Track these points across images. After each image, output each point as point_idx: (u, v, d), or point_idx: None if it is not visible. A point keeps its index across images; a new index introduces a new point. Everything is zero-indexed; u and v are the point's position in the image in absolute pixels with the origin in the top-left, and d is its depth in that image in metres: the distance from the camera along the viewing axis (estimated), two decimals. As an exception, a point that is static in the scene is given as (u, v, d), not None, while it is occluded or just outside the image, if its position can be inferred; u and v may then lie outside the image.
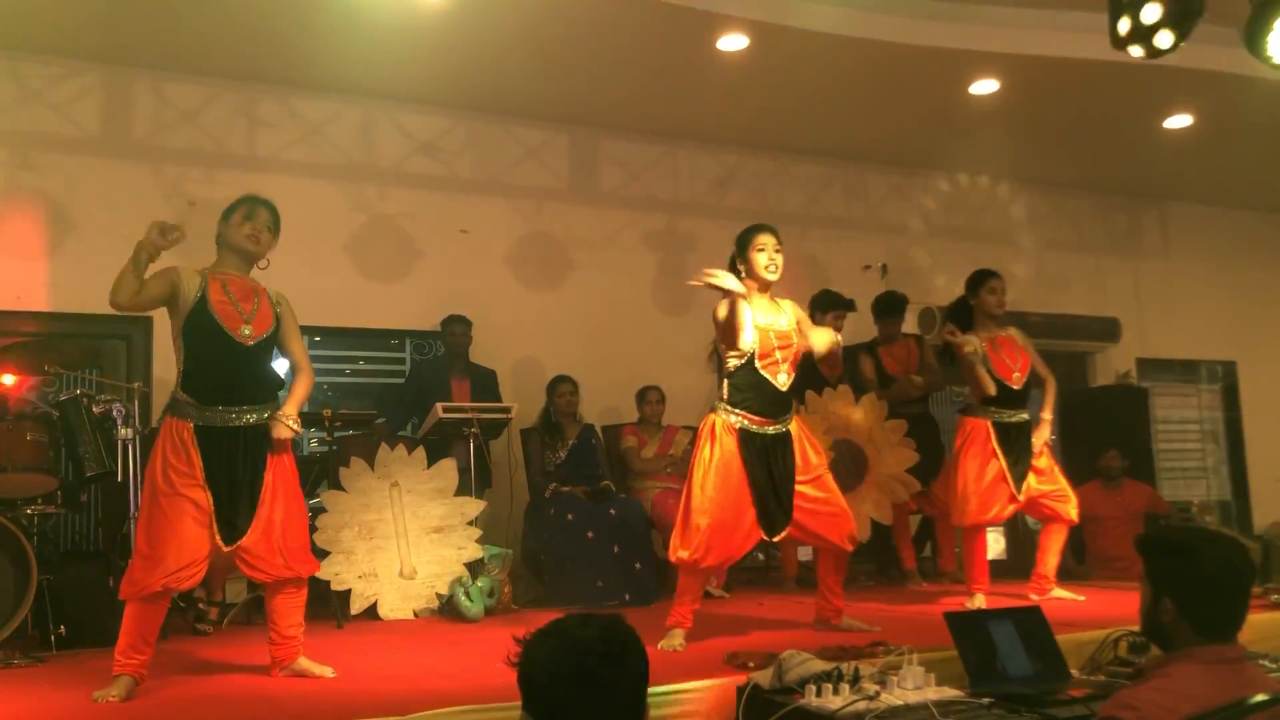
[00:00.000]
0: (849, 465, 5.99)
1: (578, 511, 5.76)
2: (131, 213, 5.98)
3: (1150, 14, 3.95)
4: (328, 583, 5.12)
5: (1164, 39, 4.01)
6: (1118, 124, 7.42)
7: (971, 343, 5.06)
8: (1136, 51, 4.05)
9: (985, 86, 6.70)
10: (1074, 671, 3.54)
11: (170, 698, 3.47)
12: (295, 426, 3.67)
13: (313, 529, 5.10)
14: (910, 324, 6.88)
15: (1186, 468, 9.34)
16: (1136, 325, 8.93)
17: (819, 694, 3.01)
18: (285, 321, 3.74)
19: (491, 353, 6.57)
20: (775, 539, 4.28)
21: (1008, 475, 5.07)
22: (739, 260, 4.31)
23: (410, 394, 6.32)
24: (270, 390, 3.71)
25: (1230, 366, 9.59)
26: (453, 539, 5.49)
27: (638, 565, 5.68)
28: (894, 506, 6.12)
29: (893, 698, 3.00)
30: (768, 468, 4.15)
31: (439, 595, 5.35)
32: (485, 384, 6.35)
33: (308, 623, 3.84)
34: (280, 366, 3.93)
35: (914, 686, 3.11)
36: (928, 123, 7.37)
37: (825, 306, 6.47)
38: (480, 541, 5.53)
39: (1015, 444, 5.13)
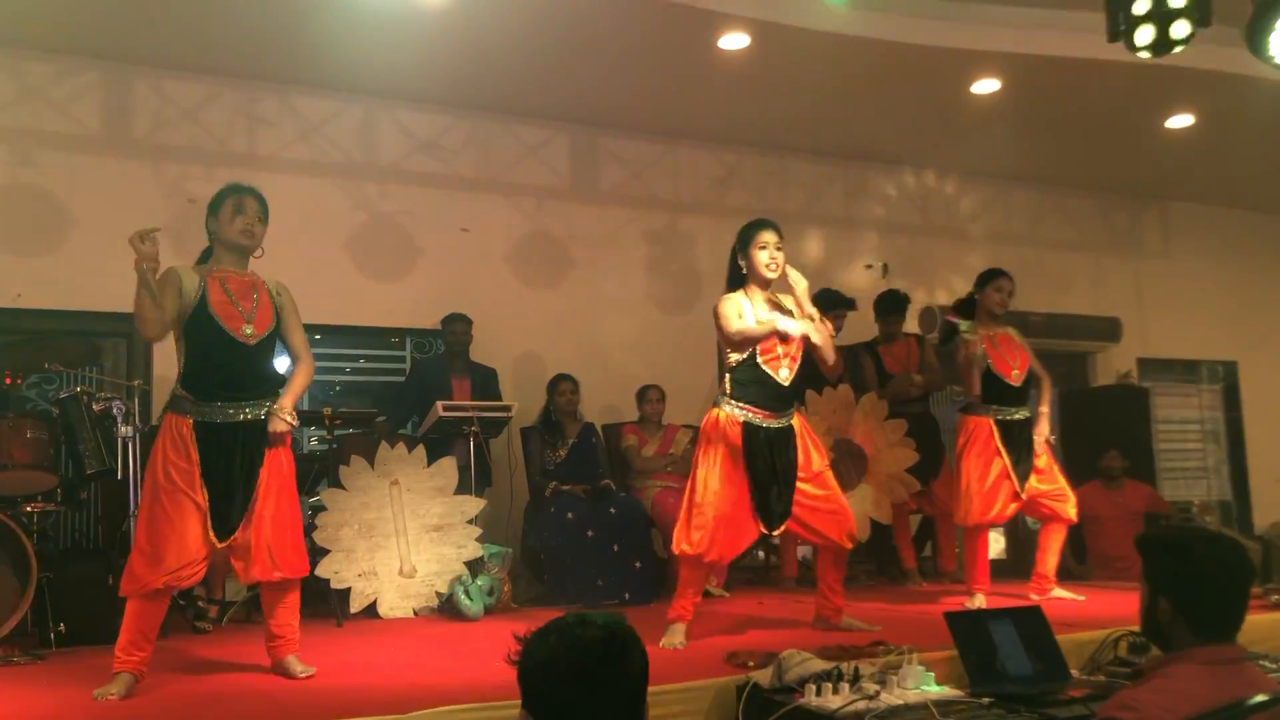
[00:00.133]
0: (849, 464, 5.99)
1: (578, 510, 5.76)
2: (132, 210, 5.98)
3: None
4: (327, 581, 5.12)
5: (1180, 28, 4.02)
6: (1119, 123, 7.41)
7: (976, 344, 5.08)
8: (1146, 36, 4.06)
9: (986, 86, 6.69)
10: (1074, 672, 3.54)
11: (169, 695, 3.47)
12: (291, 420, 3.62)
13: (312, 527, 5.13)
14: (910, 324, 6.88)
15: (1187, 468, 9.33)
16: (1137, 325, 8.92)
17: (819, 693, 3.02)
18: (286, 313, 3.72)
19: (492, 351, 6.57)
20: (774, 533, 4.28)
21: (1011, 473, 5.07)
22: (740, 256, 4.31)
23: (410, 392, 6.32)
24: (272, 387, 3.67)
25: (1231, 367, 9.58)
26: (453, 537, 5.49)
27: (638, 564, 5.68)
28: (894, 506, 6.12)
29: (893, 697, 3.00)
30: (770, 461, 4.16)
31: (439, 594, 5.35)
32: (485, 382, 6.35)
33: (306, 621, 3.85)
34: (282, 363, 3.92)
35: (914, 686, 3.11)
36: (929, 122, 7.37)
37: (825, 305, 6.45)
38: (480, 540, 5.53)
39: (1017, 442, 5.13)
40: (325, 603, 5.07)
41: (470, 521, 5.57)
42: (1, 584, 4.34)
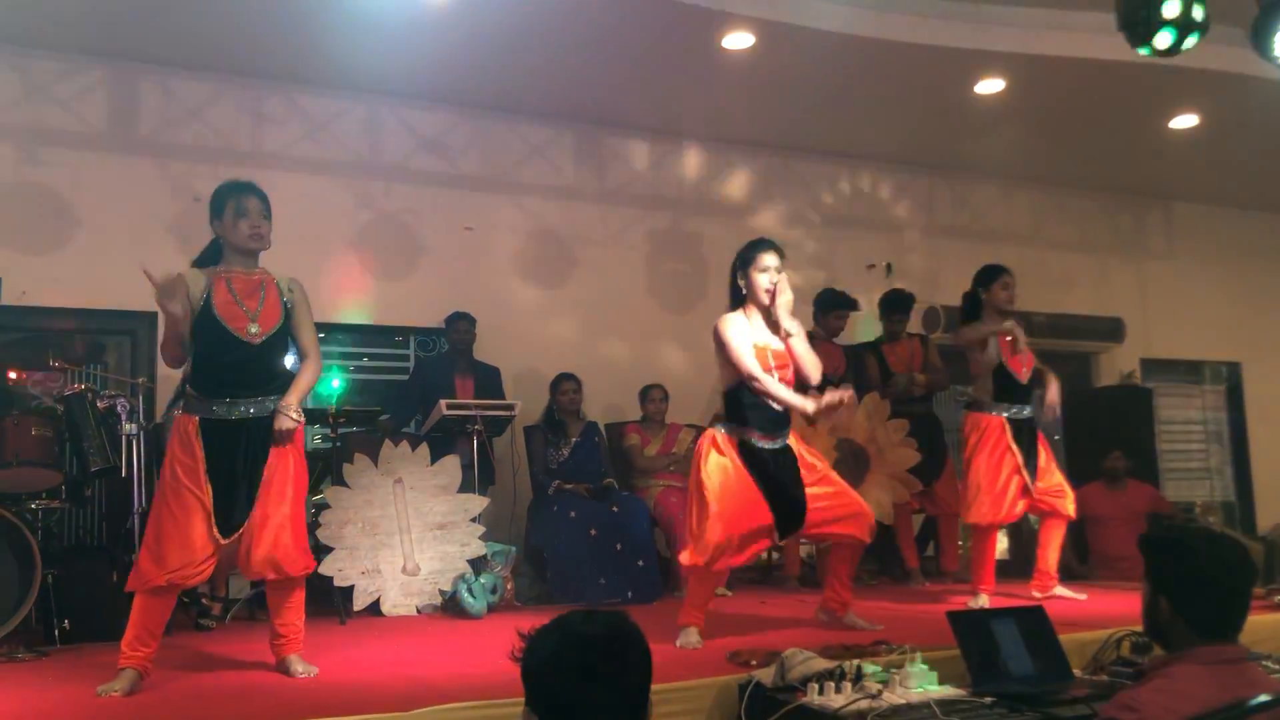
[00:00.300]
0: (851, 464, 5.99)
1: (581, 509, 5.77)
2: (137, 208, 6.03)
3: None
4: (331, 579, 5.13)
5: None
6: (1123, 124, 7.41)
7: (992, 339, 5.06)
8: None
9: (991, 86, 6.69)
10: (1076, 671, 3.53)
11: (173, 693, 3.48)
12: (297, 416, 3.61)
13: (316, 525, 5.14)
14: (914, 323, 6.87)
15: (1190, 468, 9.32)
16: (1141, 326, 8.91)
17: (821, 692, 3.02)
18: (296, 310, 3.71)
19: (495, 350, 6.58)
20: (782, 541, 4.27)
21: (1022, 470, 5.07)
22: (740, 275, 4.27)
23: (414, 391, 6.33)
24: (279, 384, 3.65)
25: (1235, 367, 9.57)
26: (456, 535, 5.50)
27: (640, 563, 5.68)
28: (897, 506, 6.11)
29: (895, 696, 3.00)
30: (772, 475, 4.15)
31: (442, 592, 5.36)
32: (489, 381, 6.36)
33: (310, 618, 3.85)
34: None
35: (916, 685, 3.11)
36: (933, 121, 7.37)
37: (828, 306, 6.48)
38: (483, 538, 5.54)
39: (1024, 439, 5.14)
40: (329, 600, 5.07)
41: (473, 520, 5.58)
42: (6, 581, 4.36)
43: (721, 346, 4.18)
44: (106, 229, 5.93)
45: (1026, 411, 5.19)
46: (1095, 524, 6.72)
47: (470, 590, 5.20)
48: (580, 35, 5.96)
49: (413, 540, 5.41)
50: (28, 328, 5.62)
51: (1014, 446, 5.08)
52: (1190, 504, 8.37)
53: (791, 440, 4.28)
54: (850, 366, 6.44)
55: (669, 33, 5.95)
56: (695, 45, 6.09)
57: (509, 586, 5.47)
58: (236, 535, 3.53)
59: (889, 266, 8.01)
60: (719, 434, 4.18)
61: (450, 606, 5.28)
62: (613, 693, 1.61)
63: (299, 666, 3.67)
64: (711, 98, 6.88)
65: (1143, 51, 4.14)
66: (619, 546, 5.64)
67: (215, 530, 3.49)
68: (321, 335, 6.39)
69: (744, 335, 4.17)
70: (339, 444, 5.59)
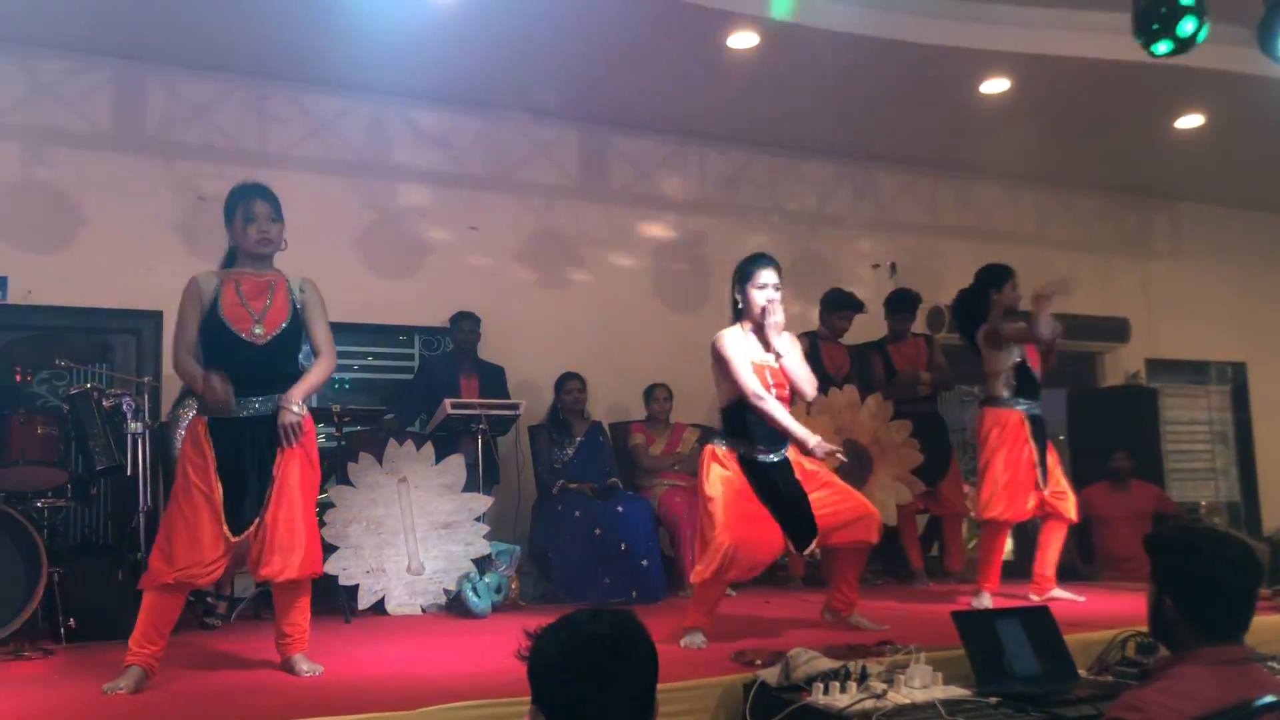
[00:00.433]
0: (853, 465, 5.97)
1: (585, 508, 5.77)
2: (143, 208, 6.04)
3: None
4: (336, 578, 5.14)
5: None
6: (1129, 123, 7.40)
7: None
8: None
9: (996, 85, 6.68)
10: (1081, 672, 3.54)
11: (179, 691, 3.48)
12: (298, 410, 3.60)
13: (321, 524, 5.13)
14: (919, 323, 6.87)
15: (1195, 469, 9.29)
16: (1146, 326, 8.90)
17: (826, 692, 3.02)
18: (308, 309, 3.72)
19: (500, 349, 6.59)
20: (805, 553, 4.27)
21: (1036, 467, 5.07)
22: (737, 290, 4.26)
23: (419, 390, 6.33)
24: (286, 384, 3.65)
25: (1240, 368, 9.55)
26: (460, 535, 5.50)
27: (644, 563, 5.68)
28: (901, 506, 6.11)
29: (900, 696, 3.01)
30: (774, 487, 4.15)
31: (446, 591, 5.37)
32: (493, 381, 6.37)
33: (315, 617, 3.85)
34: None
35: (921, 685, 3.11)
36: (938, 121, 7.36)
37: (833, 306, 6.48)
38: (488, 537, 5.55)
39: (1038, 437, 5.15)
40: (334, 599, 5.08)
41: (478, 519, 5.59)
42: (12, 579, 4.37)
43: (721, 363, 4.17)
44: (112, 228, 5.95)
45: (1037, 408, 5.19)
46: (1100, 524, 6.71)
47: (475, 589, 5.20)
48: (585, 35, 5.96)
49: (417, 539, 5.42)
50: (33, 327, 5.64)
51: (1032, 442, 5.08)
52: (1195, 504, 8.35)
53: (790, 452, 4.26)
54: (855, 366, 6.44)
55: (674, 32, 5.95)
56: (700, 45, 6.09)
57: (513, 586, 5.48)
58: (246, 533, 3.54)
59: (893, 267, 8.01)
60: (719, 449, 4.18)
61: (455, 605, 5.28)
62: (619, 692, 1.61)
63: (304, 665, 3.68)
64: (716, 97, 6.88)
65: (1161, 48, 4.14)
66: (623, 546, 5.64)
67: (226, 529, 3.50)
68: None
69: (743, 353, 4.17)
70: (344, 443, 5.60)
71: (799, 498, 4.16)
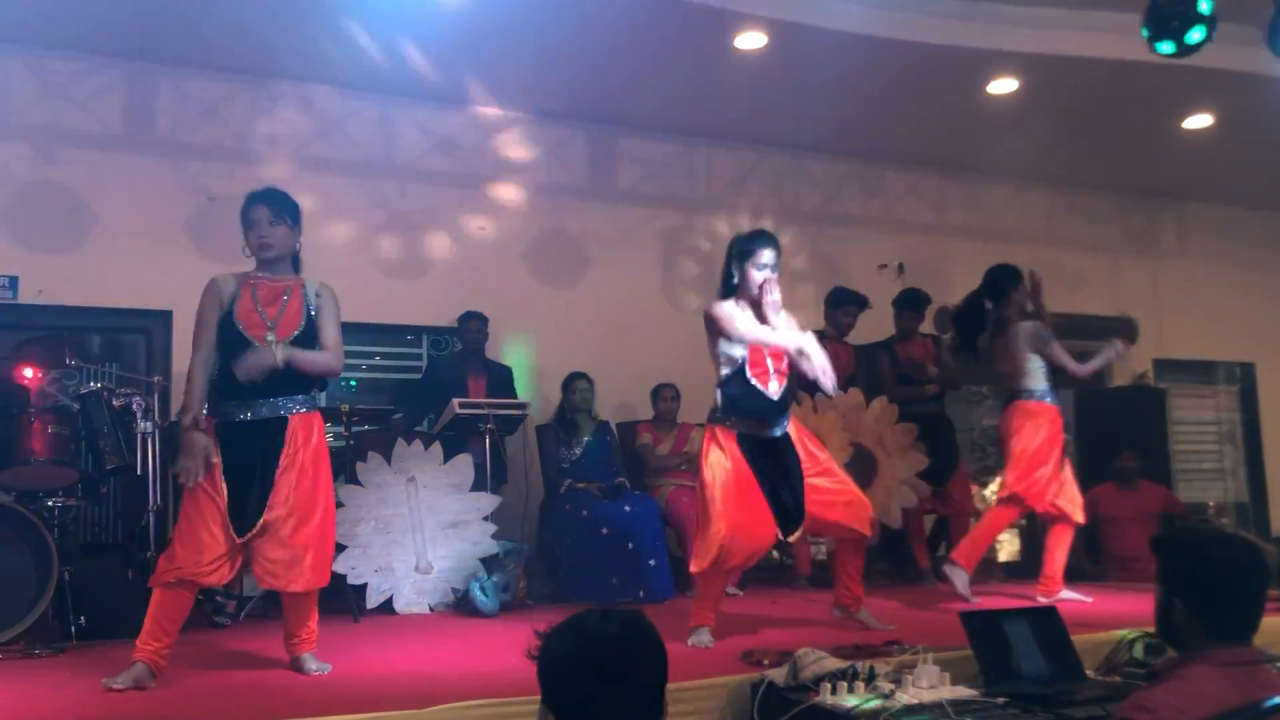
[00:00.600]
0: (858, 468, 5.97)
1: (592, 508, 5.78)
2: (153, 208, 6.06)
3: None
4: (344, 577, 5.15)
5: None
6: (1137, 123, 7.38)
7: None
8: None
9: (1004, 85, 6.68)
10: (1089, 672, 3.54)
11: (186, 689, 3.50)
12: (279, 353, 3.54)
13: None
14: (926, 323, 6.86)
15: (1203, 469, 9.28)
16: (1154, 326, 8.87)
17: (834, 692, 3.02)
18: (321, 313, 3.72)
19: (507, 349, 6.60)
20: (791, 539, 4.24)
21: (1060, 462, 5.14)
22: (734, 266, 4.17)
23: (427, 389, 6.35)
24: (299, 389, 3.67)
25: (1249, 368, 9.53)
26: (468, 534, 5.51)
27: (652, 562, 5.68)
28: (906, 508, 6.10)
29: (907, 696, 3.01)
30: (772, 467, 4.12)
31: (454, 590, 5.38)
32: (501, 380, 6.38)
33: (323, 617, 3.85)
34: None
35: (929, 686, 3.11)
36: (946, 122, 7.35)
37: (838, 302, 6.48)
38: (495, 537, 5.56)
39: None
40: (342, 598, 5.09)
41: (486, 518, 5.60)
42: (23, 578, 4.39)
43: (713, 326, 4.09)
44: (122, 228, 5.97)
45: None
46: (1107, 524, 6.70)
47: (483, 588, 5.21)
48: (593, 35, 5.97)
49: (425, 538, 5.43)
50: (44, 326, 5.65)
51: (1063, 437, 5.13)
52: (1203, 505, 8.33)
53: (791, 429, 4.22)
54: (861, 365, 6.43)
55: (682, 32, 5.95)
56: (708, 45, 6.09)
57: (521, 585, 5.49)
58: (251, 534, 3.55)
59: (900, 267, 8.00)
60: (717, 429, 4.13)
61: (463, 605, 5.29)
62: (629, 691, 1.62)
63: (312, 664, 3.69)
64: (724, 98, 6.88)
65: (1165, 49, 4.15)
66: (630, 546, 5.64)
67: (231, 529, 3.52)
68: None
69: (740, 315, 4.12)
70: (352, 442, 5.61)
71: (795, 476, 4.13)
